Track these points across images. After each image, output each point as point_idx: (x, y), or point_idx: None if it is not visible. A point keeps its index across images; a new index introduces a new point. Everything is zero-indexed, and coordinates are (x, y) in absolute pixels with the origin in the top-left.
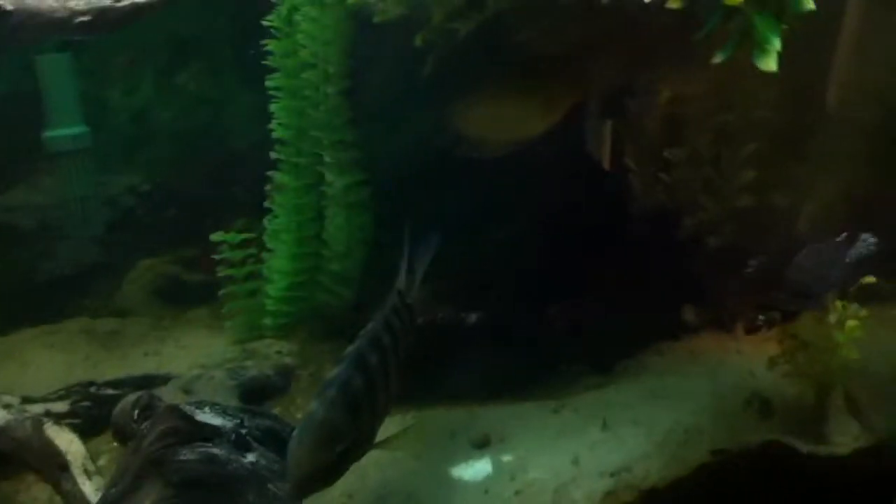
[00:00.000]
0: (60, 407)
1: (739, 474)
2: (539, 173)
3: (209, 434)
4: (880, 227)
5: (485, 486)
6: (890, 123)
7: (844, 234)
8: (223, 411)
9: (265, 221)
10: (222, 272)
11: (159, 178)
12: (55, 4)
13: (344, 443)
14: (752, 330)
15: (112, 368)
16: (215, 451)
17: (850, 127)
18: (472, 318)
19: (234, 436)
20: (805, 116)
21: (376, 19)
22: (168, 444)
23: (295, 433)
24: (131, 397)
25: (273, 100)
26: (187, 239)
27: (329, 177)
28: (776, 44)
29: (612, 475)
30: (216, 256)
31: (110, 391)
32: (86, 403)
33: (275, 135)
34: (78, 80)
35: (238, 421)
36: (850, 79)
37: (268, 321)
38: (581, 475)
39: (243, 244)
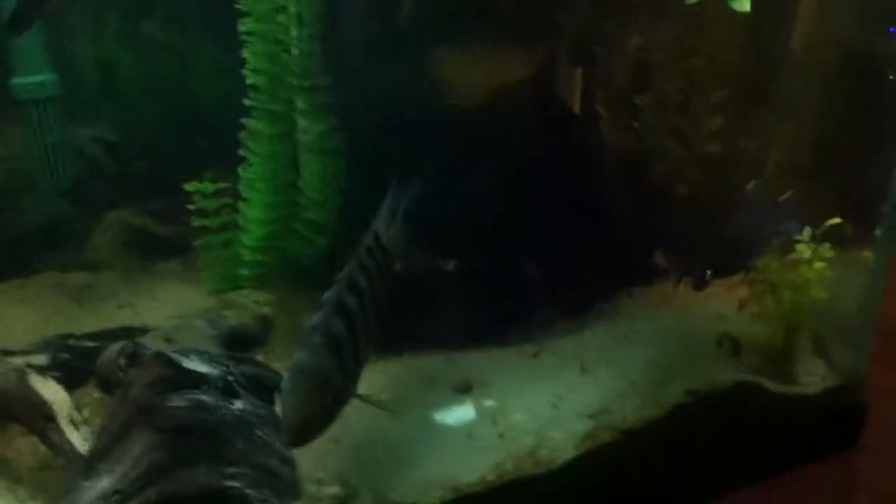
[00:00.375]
0: (39, 360)
1: (713, 413)
2: (513, 122)
3: (196, 381)
4: (839, 171)
5: (468, 431)
6: (846, 66)
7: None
8: (209, 359)
9: (239, 170)
10: (196, 223)
11: (126, 129)
12: None
13: (334, 389)
14: (699, 285)
15: (87, 322)
16: (203, 397)
17: (811, 71)
18: (450, 265)
19: (220, 383)
20: (770, 62)
21: None
22: (156, 392)
23: (286, 383)
24: (116, 347)
25: (245, 45)
26: (155, 190)
27: (303, 123)
28: None
29: (591, 417)
30: (189, 206)
31: (89, 343)
32: (65, 356)
33: (248, 81)
34: (43, 27)
35: (223, 368)
36: (811, 25)
37: (244, 271)
38: (561, 417)
39: (217, 194)
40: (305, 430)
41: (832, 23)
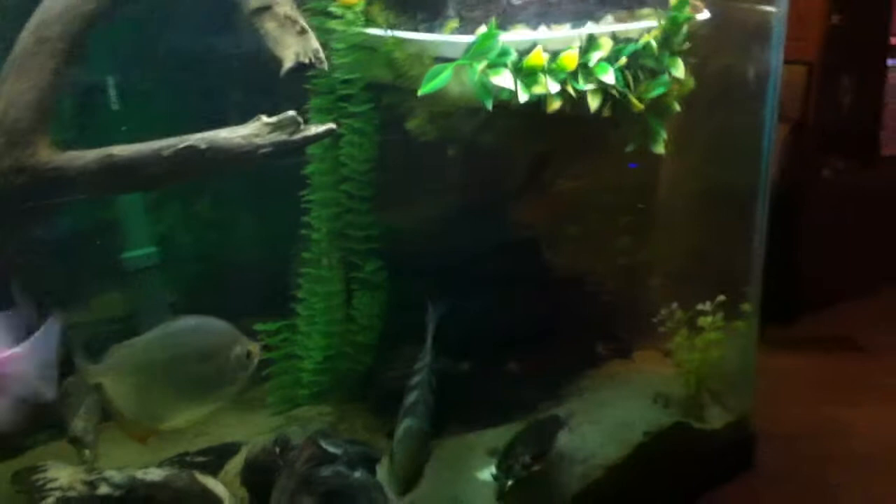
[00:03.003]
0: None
1: (661, 446)
2: (485, 249)
3: (333, 458)
4: (710, 275)
5: None
6: (704, 194)
7: None
8: (334, 442)
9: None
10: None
11: (185, 290)
12: (242, 142)
13: (429, 449)
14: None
15: (174, 446)
16: (340, 468)
17: (682, 198)
18: (465, 366)
19: (346, 458)
20: (657, 193)
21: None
22: (311, 466)
23: (396, 444)
24: (259, 444)
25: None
26: None
27: (359, 265)
28: (663, 135)
29: (583, 461)
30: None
31: (200, 458)
32: (184, 471)
33: (313, 237)
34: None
35: (344, 448)
36: (677, 165)
37: (304, 391)
38: (563, 464)
39: (278, 331)
40: (413, 480)
41: (688, 163)
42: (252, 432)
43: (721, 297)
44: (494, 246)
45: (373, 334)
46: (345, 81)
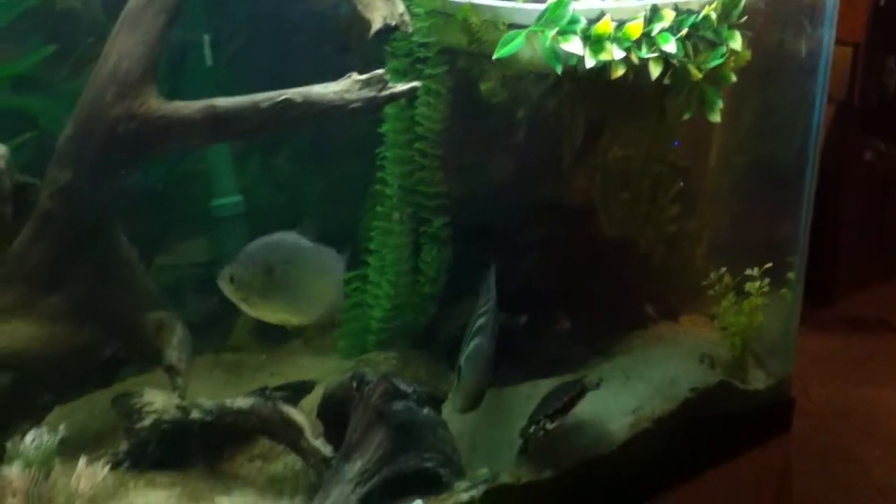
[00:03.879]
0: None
1: (706, 404)
2: (543, 211)
3: (404, 394)
4: (756, 245)
5: None
6: (753, 167)
7: None
8: (404, 382)
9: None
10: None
11: None
12: (334, 97)
13: (493, 371)
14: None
15: (251, 384)
16: (410, 405)
17: (731, 167)
18: (522, 319)
19: (416, 396)
20: (706, 164)
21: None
22: (385, 401)
23: (465, 362)
24: (337, 380)
25: (382, 167)
26: None
27: (428, 220)
28: (719, 104)
29: (633, 412)
30: None
31: (278, 393)
32: (268, 400)
33: (386, 192)
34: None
35: (414, 387)
36: (728, 136)
37: (372, 338)
38: (613, 415)
39: (349, 281)
40: (478, 397)
41: (739, 134)
42: (324, 375)
43: (768, 265)
44: (550, 208)
45: (437, 286)
46: (422, 45)
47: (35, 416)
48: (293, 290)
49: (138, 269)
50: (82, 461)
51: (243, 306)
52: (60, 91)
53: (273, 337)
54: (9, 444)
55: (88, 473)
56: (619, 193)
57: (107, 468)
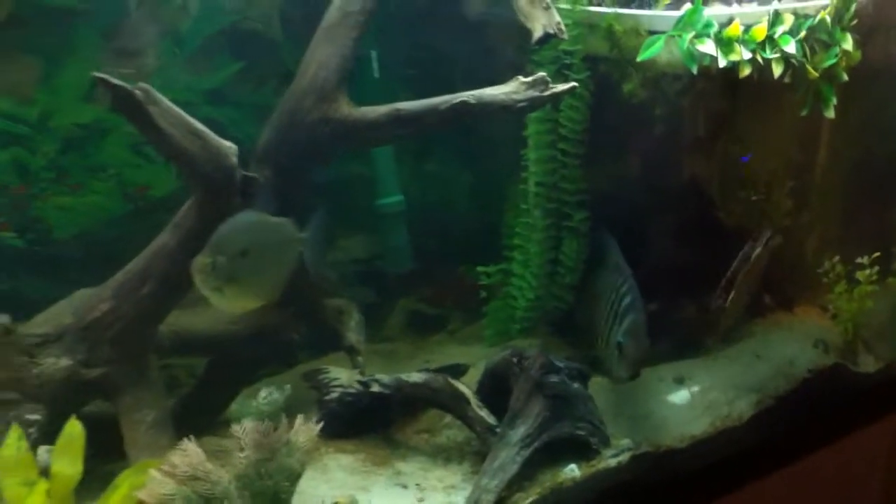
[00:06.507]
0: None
1: (823, 383)
2: (673, 203)
3: (558, 369)
4: (864, 236)
5: (688, 405)
6: (865, 160)
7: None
8: (557, 358)
9: (514, 254)
10: (483, 295)
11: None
12: (504, 97)
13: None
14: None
15: (407, 367)
16: (564, 378)
17: (841, 163)
18: (652, 306)
19: (567, 371)
20: (817, 158)
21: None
22: (543, 373)
23: (624, 336)
24: (499, 356)
25: (526, 167)
26: (425, 281)
27: (569, 214)
28: (833, 101)
29: (757, 391)
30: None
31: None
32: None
33: (531, 190)
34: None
35: (566, 363)
36: (839, 132)
37: (516, 327)
38: (740, 393)
39: (496, 273)
40: (639, 364)
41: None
42: (472, 360)
43: (877, 254)
44: (677, 200)
45: (576, 276)
46: (567, 52)
47: (235, 390)
48: (265, 269)
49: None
50: (300, 418)
51: (214, 296)
52: (244, 103)
53: (421, 328)
54: (233, 406)
55: (305, 429)
56: (738, 187)
57: (320, 425)
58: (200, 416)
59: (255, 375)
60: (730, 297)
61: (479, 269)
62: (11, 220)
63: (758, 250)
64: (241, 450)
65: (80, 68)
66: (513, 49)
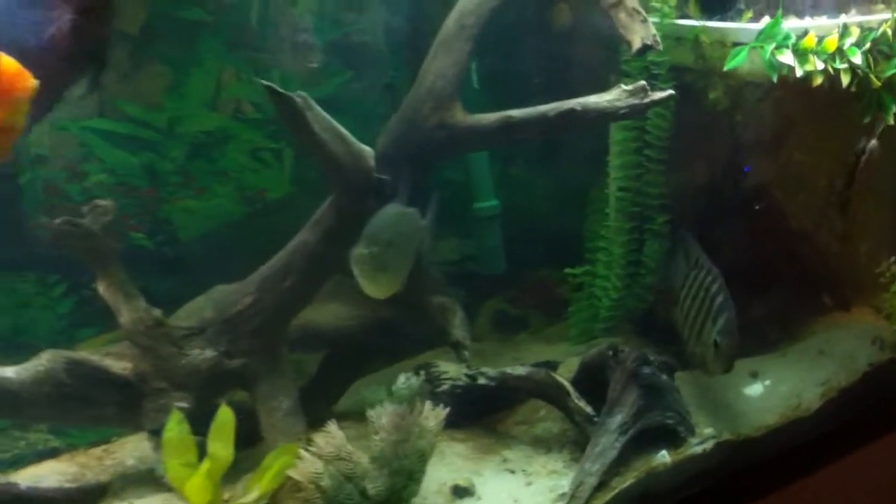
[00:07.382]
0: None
1: (882, 377)
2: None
3: (651, 363)
4: None
5: (762, 397)
6: None
7: None
8: (649, 352)
9: (598, 256)
10: (569, 295)
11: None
12: (607, 105)
13: None
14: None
15: (497, 365)
16: (655, 370)
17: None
18: None
19: (656, 364)
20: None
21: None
22: (637, 365)
23: (718, 332)
24: (595, 349)
25: (607, 173)
26: (509, 283)
27: (652, 217)
28: (894, 108)
29: (822, 384)
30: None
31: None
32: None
33: (613, 195)
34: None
35: (656, 357)
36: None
37: (599, 325)
38: (807, 386)
39: (583, 275)
40: (733, 359)
41: None
42: (559, 357)
43: None
44: (751, 203)
45: (656, 276)
46: (655, 63)
47: (347, 383)
48: (404, 258)
49: (426, 257)
50: (429, 403)
51: (370, 285)
52: (351, 111)
53: (505, 328)
54: (364, 392)
55: (434, 414)
56: (800, 193)
57: (448, 409)
58: (315, 408)
59: (364, 370)
60: (852, 188)
61: (567, 270)
62: (142, 222)
63: (873, 142)
64: (376, 433)
65: (206, 77)
66: (599, 60)
